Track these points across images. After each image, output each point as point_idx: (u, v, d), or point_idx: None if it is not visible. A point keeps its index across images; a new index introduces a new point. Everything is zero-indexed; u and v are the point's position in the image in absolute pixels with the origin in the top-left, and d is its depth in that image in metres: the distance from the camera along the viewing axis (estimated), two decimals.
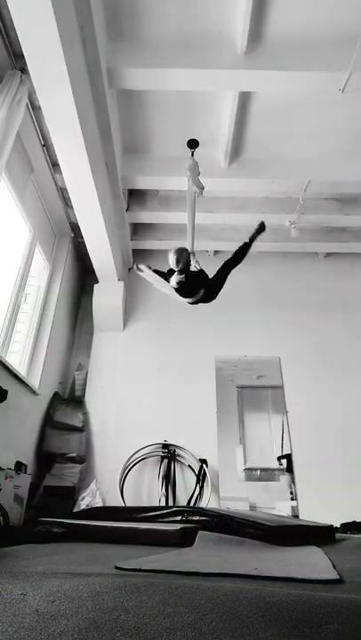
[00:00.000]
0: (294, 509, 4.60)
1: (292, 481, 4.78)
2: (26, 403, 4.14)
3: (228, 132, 4.11)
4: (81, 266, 6.09)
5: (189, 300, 3.20)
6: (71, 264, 5.59)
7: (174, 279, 2.97)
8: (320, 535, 2.88)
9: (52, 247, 5.19)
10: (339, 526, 4.05)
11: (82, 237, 4.79)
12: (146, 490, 4.71)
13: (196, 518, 2.72)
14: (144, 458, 4.83)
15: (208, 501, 4.45)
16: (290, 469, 4.89)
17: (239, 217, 5.21)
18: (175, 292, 3.16)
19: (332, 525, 3.24)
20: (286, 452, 5.05)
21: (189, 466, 4.79)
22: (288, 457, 4.99)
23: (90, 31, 2.93)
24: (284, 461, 4.97)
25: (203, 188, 3.42)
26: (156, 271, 3.38)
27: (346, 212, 5.14)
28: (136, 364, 5.43)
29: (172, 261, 2.88)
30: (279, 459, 5.10)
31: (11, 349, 4.13)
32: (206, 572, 1.39)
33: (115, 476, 4.63)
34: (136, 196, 5.26)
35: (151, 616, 0.82)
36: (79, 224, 4.35)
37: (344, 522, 4.13)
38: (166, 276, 3.22)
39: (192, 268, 3.22)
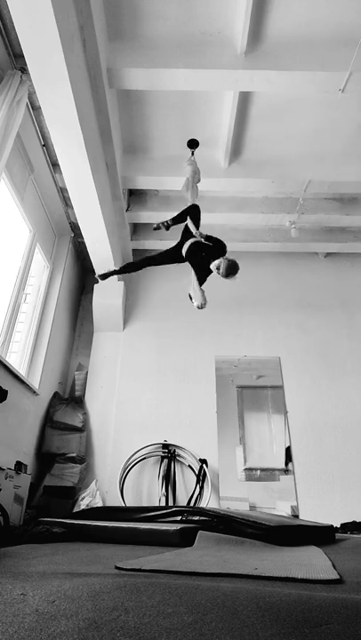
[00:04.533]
0: (294, 509, 4.60)
1: (293, 479, 4.78)
2: (26, 403, 4.14)
3: (228, 131, 4.11)
4: (81, 266, 6.09)
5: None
6: (71, 264, 5.60)
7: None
8: (320, 535, 2.88)
9: (52, 247, 5.20)
10: (339, 526, 4.06)
11: (82, 237, 4.79)
12: (146, 490, 4.71)
13: (196, 518, 2.72)
14: (144, 458, 4.83)
15: (208, 501, 4.45)
16: (290, 460, 4.89)
17: (239, 217, 5.21)
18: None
19: (332, 525, 3.23)
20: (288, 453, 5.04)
21: (189, 466, 4.79)
22: (287, 450, 4.99)
23: (90, 31, 2.93)
24: (290, 465, 4.95)
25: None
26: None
27: (346, 212, 5.14)
28: (136, 364, 5.43)
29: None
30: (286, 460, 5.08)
31: (11, 349, 4.14)
32: (206, 571, 1.39)
33: (115, 476, 4.63)
34: (136, 196, 5.26)
35: (151, 616, 0.82)
36: (79, 224, 4.35)
37: (344, 522, 4.14)
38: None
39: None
